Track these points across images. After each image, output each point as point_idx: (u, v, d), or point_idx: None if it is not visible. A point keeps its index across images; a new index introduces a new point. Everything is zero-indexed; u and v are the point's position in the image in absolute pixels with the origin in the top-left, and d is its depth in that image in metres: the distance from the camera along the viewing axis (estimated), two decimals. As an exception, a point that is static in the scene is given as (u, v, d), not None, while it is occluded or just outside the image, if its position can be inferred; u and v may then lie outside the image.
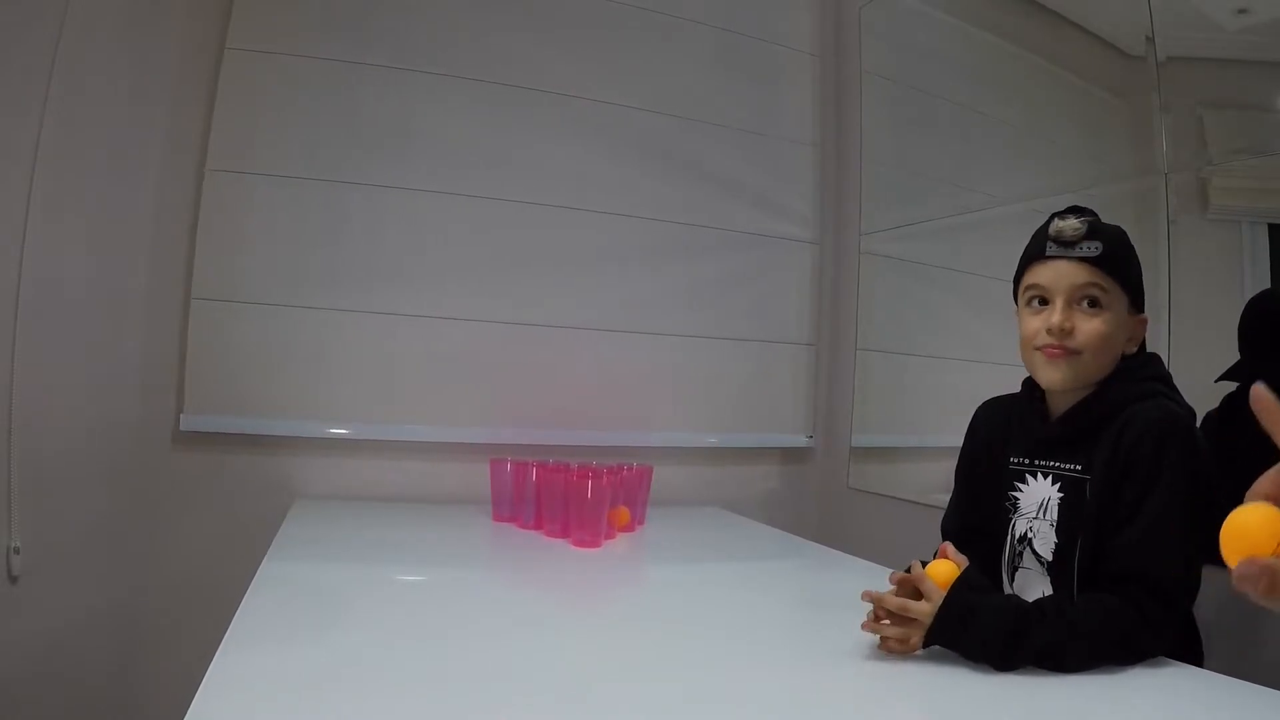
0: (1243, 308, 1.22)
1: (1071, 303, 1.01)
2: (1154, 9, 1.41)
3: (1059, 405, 1.06)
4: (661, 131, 2.11)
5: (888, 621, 0.90)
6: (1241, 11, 1.31)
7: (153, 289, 1.73)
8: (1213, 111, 1.36)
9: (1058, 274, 1.01)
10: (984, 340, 1.78)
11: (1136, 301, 1.04)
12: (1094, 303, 1.00)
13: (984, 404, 1.21)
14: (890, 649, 0.91)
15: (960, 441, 1.22)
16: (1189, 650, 0.99)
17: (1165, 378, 1.04)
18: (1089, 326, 1.00)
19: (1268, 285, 1.21)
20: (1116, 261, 1.01)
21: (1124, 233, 1.04)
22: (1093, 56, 1.60)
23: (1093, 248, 1.00)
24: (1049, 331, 1.00)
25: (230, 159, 1.76)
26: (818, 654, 0.98)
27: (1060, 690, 0.83)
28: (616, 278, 2.06)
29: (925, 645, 0.89)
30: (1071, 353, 1.00)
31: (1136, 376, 1.02)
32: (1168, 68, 1.39)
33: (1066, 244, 1.01)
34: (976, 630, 0.87)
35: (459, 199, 1.92)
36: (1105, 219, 1.05)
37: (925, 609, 0.88)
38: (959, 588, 0.89)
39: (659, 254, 2.10)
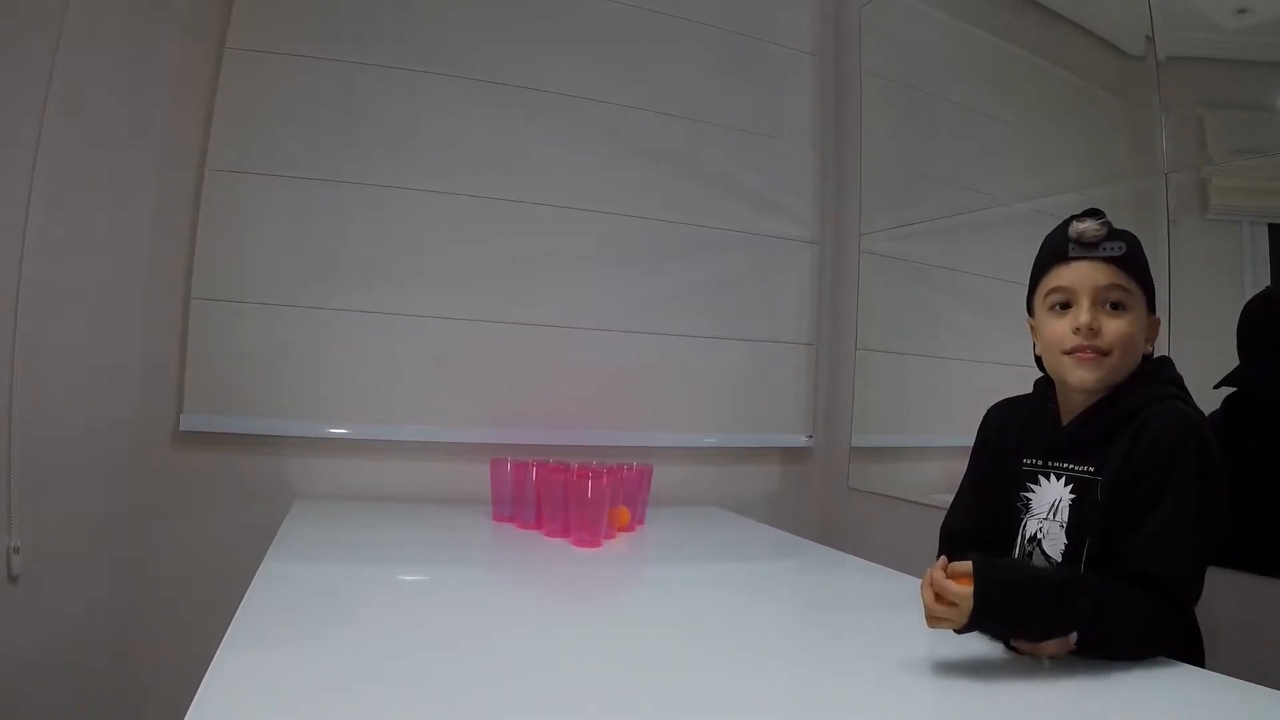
0: (1240, 310, 1.23)
1: (1096, 304, 1.01)
2: (1154, 9, 1.41)
3: (1074, 407, 1.06)
4: (661, 131, 2.11)
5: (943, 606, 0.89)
6: (1241, 11, 1.31)
7: (153, 289, 1.73)
8: (1213, 111, 1.36)
9: (1081, 275, 1.01)
10: (984, 340, 1.78)
11: (1151, 303, 1.05)
12: (1117, 304, 1.01)
13: (995, 405, 1.21)
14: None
15: (961, 441, 1.22)
16: (1190, 650, 0.99)
17: (1179, 381, 1.04)
18: (1115, 327, 1.00)
19: (1268, 285, 1.21)
20: (1137, 262, 1.02)
21: (1136, 236, 1.04)
22: (1092, 56, 1.60)
23: (1116, 247, 1.00)
24: (1076, 331, 1.00)
25: (230, 159, 1.76)
26: (817, 654, 0.98)
27: (1061, 691, 0.83)
28: (616, 278, 2.06)
29: (966, 629, 0.88)
30: (1102, 354, 1.00)
31: (1152, 380, 1.02)
32: (1168, 68, 1.39)
33: (1088, 245, 1.01)
34: (1018, 603, 0.87)
35: (459, 199, 1.92)
36: (1105, 219, 1.05)
37: (964, 591, 0.87)
38: (986, 574, 0.88)
39: (659, 254, 2.10)
